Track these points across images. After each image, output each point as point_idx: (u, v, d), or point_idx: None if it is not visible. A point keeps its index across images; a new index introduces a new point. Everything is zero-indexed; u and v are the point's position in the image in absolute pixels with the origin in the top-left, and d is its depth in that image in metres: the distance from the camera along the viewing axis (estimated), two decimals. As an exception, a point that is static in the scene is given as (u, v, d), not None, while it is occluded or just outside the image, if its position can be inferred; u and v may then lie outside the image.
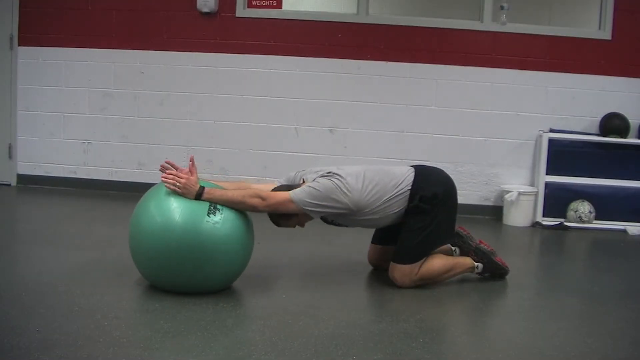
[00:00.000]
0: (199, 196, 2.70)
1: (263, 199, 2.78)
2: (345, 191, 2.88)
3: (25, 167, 5.46)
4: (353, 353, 2.22)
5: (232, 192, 2.78)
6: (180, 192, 2.69)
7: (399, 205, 3.00)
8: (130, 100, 5.33)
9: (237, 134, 5.26)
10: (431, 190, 3.01)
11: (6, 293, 2.68)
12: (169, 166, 2.80)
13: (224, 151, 5.28)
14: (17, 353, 2.07)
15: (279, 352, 2.21)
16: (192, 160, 2.81)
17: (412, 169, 3.09)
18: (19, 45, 5.34)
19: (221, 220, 2.66)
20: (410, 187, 3.00)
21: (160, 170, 2.81)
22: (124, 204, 4.93)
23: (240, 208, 2.78)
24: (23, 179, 5.46)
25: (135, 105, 5.33)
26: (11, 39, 5.34)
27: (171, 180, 2.70)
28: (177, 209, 2.64)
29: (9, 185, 5.46)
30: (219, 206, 2.69)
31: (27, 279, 2.94)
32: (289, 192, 2.84)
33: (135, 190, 5.30)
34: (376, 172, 3.03)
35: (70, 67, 5.33)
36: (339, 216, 2.97)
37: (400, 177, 3.03)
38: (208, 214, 2.64)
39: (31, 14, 5.32)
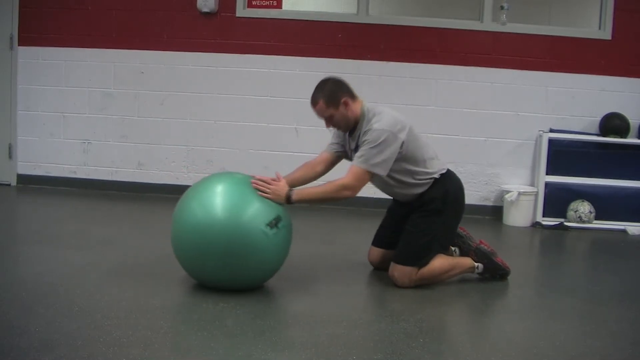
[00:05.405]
0: (288, 198, 2.83)
1: (349, 188, 2.92)
2: (399, 129, 2.94)
3: (25, 167, 5.46)
4: (353, 353, 2.22)
5: (320, 190, 2.94)
6: (270, 198, 2.78)
7: (420, 181, 3.05)
8: (130, 100, 5.33)
9: (237, 134, 5.26)
10: (448, 191, 3.07)
11: (6, 293, 2.68)
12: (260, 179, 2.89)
13: (224, 151, 5.28)
14: (17, 353, 2.07)
15: (279, 352, 2.21)
16: (278, 175, 2.94)
17: (446, 167, 3.16)
18: (19, 45, 5.34)
19: (273, 236, 2.72)
20: (437, 177, 3.08)
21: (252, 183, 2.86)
22: (124, 204, 4.95)
23: (331, 202, 3.06)
24: (23, 179, 5.46)
25: (135, 105, 5.33)
26: (11, 39, 5.34)
27: (261, 187, 2.80)
28: (244, 207, 2.71)
29: (9, 185, 5.46)
30: (280, 225, 2.75)
31: (27, 279, 2.93)
32: (359, 165, 2.92)
33: (135, 191, 5.34)
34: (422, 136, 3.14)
35: (70, 67, 5.33)
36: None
37: (437, 159, 3.13)
38: (267, 225, 2.70)
39: (31, 14, 5.32)
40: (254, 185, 2.80)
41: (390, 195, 3.28)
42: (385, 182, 3.07)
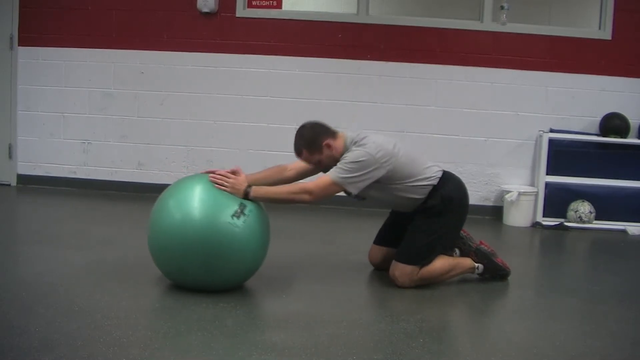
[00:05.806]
0: (246, 195, 2.78)
1: (310, 193, 2.89)
2: (381, 156, 2.92)
3: (25, 167, 5.46)
4: (353, 353, 2.22)
5: (279, 190, 2.92)
6: (229, 191, 2.76)
7: (418, 194, 3.03)
8: (130, 100, 5.33)
9: (237, 134, 5.26)
10: (450, 194, 3.06)
11: (6, 293, 2.68)
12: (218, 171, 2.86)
13: (224, 151, 5.28)
14: (17, 353, 2.07)
15: (279, 352, 2.21)
16: (237, 169, 2.89)
17: (440, 169, 3.14)
18: (19, 45, 5.34)
19: (243, 225, 2.69)
20: (435, 183, 3.06)
21: (207, 172, 2.87)
22: (124, 204, 4.95)
23: (289, 203, 2.96)
24: (23, 179, 5.46)
25: (135, 105, 5.33)
26: (11, 39, 5.34)
27: (220, 180, 2.77)
28: (204, 204, 2.70)
29: (9, 185, 5.46)
30: (246, 211, 2.72)
31: (27, 279, 2.93)
32: (331, 176, 2.91)
33: (135, 191, 5.34)
34: (409, 151, 3.09)
35: (70, 67, 5.33)
36: (372, 184, 2.99)
37: (430, 167, 3.09)
38: (232, 216, 2.67)
39: (31, 14, 5.32)
40: (212, 179, 2.78)
41: (394, 209, 3.30)
42: (383, 199, 3.08)
